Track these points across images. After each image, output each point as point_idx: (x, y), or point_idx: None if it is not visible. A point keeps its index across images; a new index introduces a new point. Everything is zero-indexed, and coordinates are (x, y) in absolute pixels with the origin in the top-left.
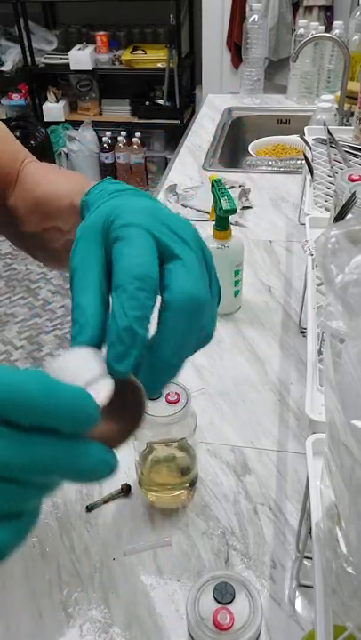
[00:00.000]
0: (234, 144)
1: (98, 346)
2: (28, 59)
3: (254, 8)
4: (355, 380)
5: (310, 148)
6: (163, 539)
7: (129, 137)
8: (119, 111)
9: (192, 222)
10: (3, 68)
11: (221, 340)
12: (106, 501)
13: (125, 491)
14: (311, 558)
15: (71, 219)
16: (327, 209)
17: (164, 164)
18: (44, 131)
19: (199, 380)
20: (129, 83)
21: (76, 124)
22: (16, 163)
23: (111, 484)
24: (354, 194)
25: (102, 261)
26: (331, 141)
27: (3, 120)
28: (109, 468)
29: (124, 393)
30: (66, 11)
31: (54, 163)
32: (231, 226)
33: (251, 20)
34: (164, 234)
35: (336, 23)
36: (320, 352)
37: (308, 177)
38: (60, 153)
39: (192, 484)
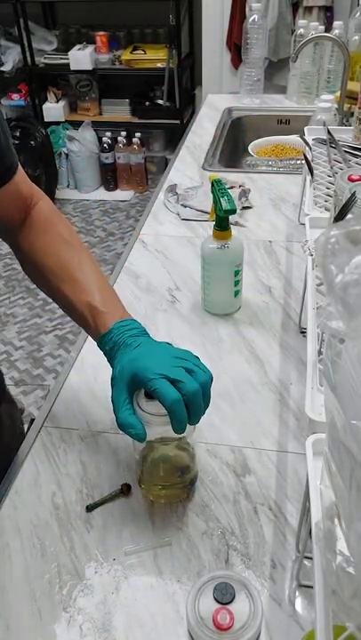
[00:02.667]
0: (234, 144)
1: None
2: (28, 59)
3: (254, 8)
4: (355, 380)
5: (310, 148)
6: (163, 539)
7: (129, 137)
8: (119, 111)
9: (192, 222)
10: (3, 68)
11: (221, 340)
12: (106, 501)
13: (125, 491)
14: (311, 558)
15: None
16: (327, 209)
17: (164, 164)
18: (43, 131)
19: None
20: (129, 83)
21: (75, 125)
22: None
23: (111, 484)
24: (354, 194)
25: (130, 398)
26: (331, 141)
27: None
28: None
29: None
30: (66, 11)
31: (54, 163)
32: (231, 226)
33: (251, 20)
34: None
35: (336, 23)
36: (320, 352)
37: (308, 177)
38: (60, 153)
39: (192, 483)
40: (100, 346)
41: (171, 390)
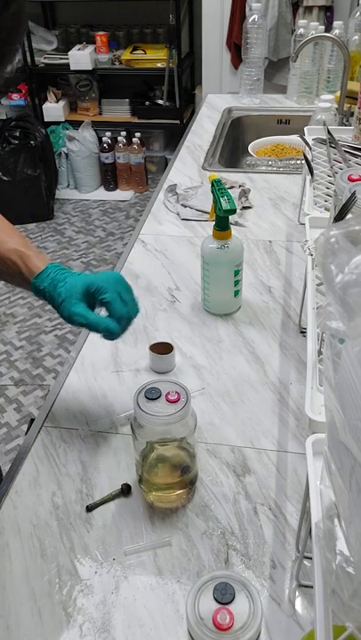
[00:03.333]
0: (234, 144)
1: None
2: (28, 59)
3: (254, 8)
4: (355, 380)
5: (310, 148)
6: (163, 539)
7: (129, 137)
8: (119, 111)
9: (192, 222)
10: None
11: (221, 340)
12: (106, 501)
13: (125, 491)
14: (311, 558)
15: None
16: (327, 209)
17: (164, 164)
18: (43, 131)
19: (199, 380)
20: (129, 83)
21: (75, 124)
22: None
23: (111, 484)
24: (354, 194)
25: (86, 307)
26: (331, 141)
27: (2, 120)
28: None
29: None
30: (66, 11)
31: (54, 163)
32: (231, 226)
33: (251, 20)
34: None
35: (336, 23)
36: (320, 352)
37: (308, 177)
38: (60, 153)
39: (192, 483)
40: (35, 285)
41: (120, 305)
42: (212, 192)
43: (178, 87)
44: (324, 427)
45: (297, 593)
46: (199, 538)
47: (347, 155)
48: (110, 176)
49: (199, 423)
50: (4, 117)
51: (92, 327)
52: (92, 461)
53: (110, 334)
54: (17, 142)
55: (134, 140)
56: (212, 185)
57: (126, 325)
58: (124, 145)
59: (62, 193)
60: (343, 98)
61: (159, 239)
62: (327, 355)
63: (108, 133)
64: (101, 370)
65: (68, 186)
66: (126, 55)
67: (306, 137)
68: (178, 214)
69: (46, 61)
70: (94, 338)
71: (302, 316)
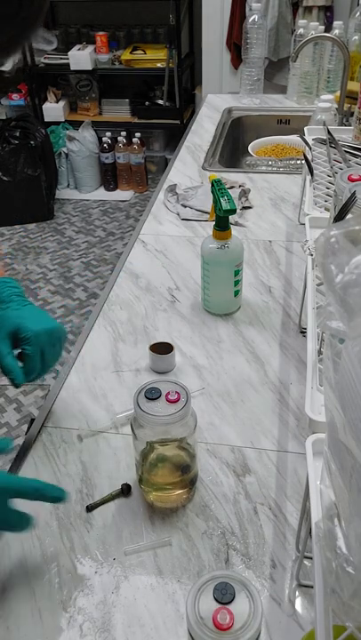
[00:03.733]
0: (234, 144)
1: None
2: (28, 59)
3: (254, 8)
4: (355, 380)
5: (310, 148)
6: (163, 539)
7: (129, 137)
8: (119, 111)
9: (192, 222)
10: (3, 68)
11: (221, 340)
12: (106, 501)
13: (125, 491)
14: (311, 558)
15: None
16: (327, 209)
17: (164, 164)
18: (43, 131)
19: (199, 380)
20: (129, 83)
21: (75, 124)
22: None
23: (111, 484)
24: (354, 194)
25: (10, 348)
26: (331, 141)
27: (2, 120)
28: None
29: None
30: (66, 11)
31: (54, 163)
32: (231, 226)
33: (251, 19)
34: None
35: (336, 23)
36: (320, 352)
37: (308, 177)
38: (60, 153)
39: (192, 483)
40: None
41: (36, 362)
42: (212, 192)
43: (178, 87)
44: (324, 427)
45: (297, 593)
46: (199, 538)
47: (347, 155)
48: (110, 176)
49: (199, 423)
50: (4, 117)
51: (2, 369)
52: (92, 461)
53: (11, 381)
54: (17, 142)
55: (134, 140)
56: (212, 185)
57: (33, 380)
58: (124, 145)
59: (62, 193)
60: (343, 98)
61: (159, 239)
62: (327, 355)
63: (108, 133)
64: (101, 370)
65: (68, 186)
66: (126, 55)
67: (306, 137)
68: (178, 214)
69: (46, 61)
70: (94, 338)
71: (302, 316)
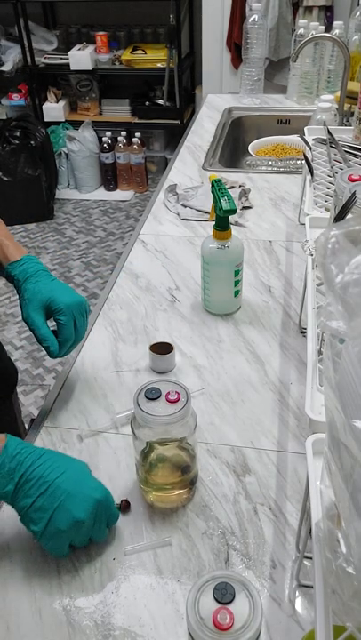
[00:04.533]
0: (234, 144)
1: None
2: (28, 59)
3: (254, 8)
4: (355, 380)
5: (310, 148)
6: (163, 539)
7: (129, 137)
8: (119, 111)
9: (192, 222)
10: (3, 68)
11: (221, 340)
12: None
13: (124, 508)
14: (311, 558)
15: None
16: (327, 209)
17: (164, 164)
18: (43, 131)
19: (199, 380)
20: (129, 83)
21: (76, 124)
22: None
23: (111, 484)
24: (354, 194)
25: (44, 319)
26: (331, 141)
27: (3, 120)
28: None
29: None
30: (66, 11)
31: (54, 163)
32: (231, 226)
33: (251, 19)
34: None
35: (336, 23)
36: (320, 352)
37: (308, 177)
38: (60, 153)
39: (192, 483)
40: (8, 271)
41: (71, 331)
42: (212, 192)
43: (178, 87)
44: (324, 427)
45: (297, 593)
46: (199, 538)
47: (347, 155)
48: (110, 176)
49: (199, 423)
50: (5, 117)
51: (39, 338)
52: (92, 461)
53: (49, 353)
54: (17, 142)
55: (134, 140)
56: (213, 185)
57: (70, 349)
58: (124, 145)
59: (62, 193)
60: (343, 98)
61: (159, 239)
62: (327, 355)
63: (109, 133)
64: (101, 370)
65: (68, 186)
66: (126, 55)
67: (306, 137)
68: (178, 214)
69: (46, 61)
70: (94, 338)
71: (302, 316)
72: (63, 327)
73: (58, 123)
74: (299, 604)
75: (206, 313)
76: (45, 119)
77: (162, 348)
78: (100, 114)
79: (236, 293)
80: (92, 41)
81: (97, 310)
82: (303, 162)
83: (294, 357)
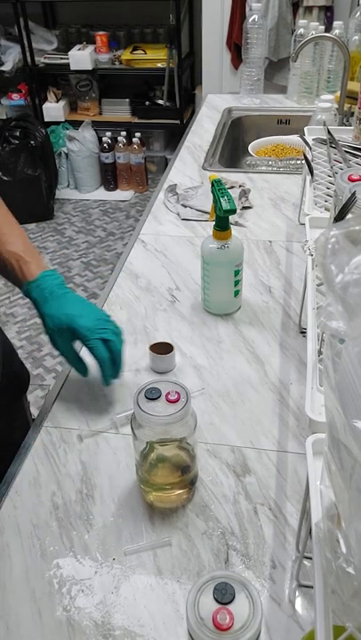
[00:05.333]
0: (234, 144)
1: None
2: (28, 59)
3: (254, 8)
4: (355, 380)
5: (310, 148)
6: (163, 539)
7: (129, 137)
8: (119, 111)
9: (192, 222)
10: (3, 68)
11: (221, 340)
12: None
13: None
14: (311, 558)
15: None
16: (327, 209)
17: (164, 164)
18: (43, 131)
19: (199, 380)
20: (129, 83)
21: (75, 124)
22: None
23: (111, 484)
24: (354, 194)
25: (70, 344)
26: (331, 141)
27: (3, 120)
28: None
29: None
30: (66, 11)
31: (54, 163)
32: (231, 226)
33: (251, 20)
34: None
35: (336, 23)
36: (320, 352)
37: (308, 177)
38: (60, 153)
39: (192, 483)
40: (26, 290)
41: (103, 349)
42: (212, 192)
43: (178, 87)
44: (324, 427)
45: (297, 593)
46: (199, 538)
47: (347, 155)
48: (110, 176)
49: (199, 423)
50: (4, 117)
51: (71, 364)
52: (92, 461)
53: (82, 375)
54: (17, 142)
55: (134, 139)
56: (213, 185)
57: (116, 366)
58: (124, 145)
59: (62, 193)
60: (343, 98)
61: (159, 239)
62: (327, 355)
63: (109, 133)
64: None
65: (68, 186)
66: (126, 55)
67: (306, 137)
68: (178, 214)
69: (46, 61)
70: None
71: (302, 316)
72: (94, 350)
73: (58, 123)
74: (299, 604)
75: (206, 313)
76: (45, 119)
77: (162, 348)
78: (100, 114)
79: (236, 293)
80: (91, 41)
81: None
82: (303, 162)
83: (294, 357)
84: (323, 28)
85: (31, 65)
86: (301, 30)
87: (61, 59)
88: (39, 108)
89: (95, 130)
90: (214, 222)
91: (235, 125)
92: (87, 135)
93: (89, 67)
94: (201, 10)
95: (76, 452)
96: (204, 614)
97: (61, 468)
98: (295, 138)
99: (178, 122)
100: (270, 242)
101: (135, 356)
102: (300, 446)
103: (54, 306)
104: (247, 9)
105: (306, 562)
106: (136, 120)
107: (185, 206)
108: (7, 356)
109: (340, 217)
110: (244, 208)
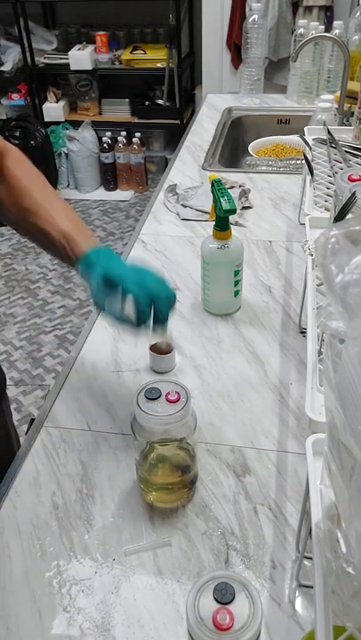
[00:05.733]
0: (234, 144)
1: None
2: (28, 59)
3: (254, 8)
4: (355, 380)
5: (310, 148)
6: (163, 539)
7: (129, 137)
8: (119, 111)
9: (192, 222)
10: (3, 68)
11: (221, 340)
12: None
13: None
14: (311, 558)
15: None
16: (327, 209)
17: (164, 164)
18: (43, 131)
19: (199, 380)
20: (129, 83)
21: (75, 124)
22: None
23: (111, 484)
24: (354, 194)
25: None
26: (331, 141)
27: (3, 120)
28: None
29: None
30: (66, 11)
31: (54, 163)
32: (231, 226)
33: (251, 19)
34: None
35: (336, 23)
36: (320, 352)
37: (308, 177)
38: (60, 153)
39: (192, 483)
40: (78, 268)
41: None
42: (212, 192)
43: (178, 87)
44: (324, 427)
45: (297, 593)
46: (199, 538)
47: (347, 155)
48: (110, 176)
49: (199, 423)
50: (4, 117)
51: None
52: (92, 461)
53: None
54: (17, 142)
55: (134, 139)
56: (212, 185)
57: (162, 313)
58: (124, 145)
59: (62, 193)
60: (343, 98)
61: (159, 239)
62: (327, 355)
63: (108, 133)
64: (101, 370)
65: (68, 186)
66: (126, 55)
67: (306, 137)
68: (178, 214)
69: (46, 61)
70: (94, 338)
71: (302, 316)
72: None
73: (58, 123)
74: (299, 604)
75: (206, 313)
76: (45, 119)
77: (162, 348)
78: (100, 114)
79: (236, 293)
80: (91, 41)
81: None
82: (303, 162)
83: (294, 357)
84: (323, 27)
85: (31, 65)
86: (301, 30)
87: (61, 59)
88: (39, 108)
89: (95, 130)
90: (214, 222)
91: (235, 125)
92: (87, 135)
93: (89, 67)
94: (201, 10)
95: (76, 452)
96: (204, 614)
97: (61, 467)
98: (295, 138)
99: (178, 122)
100: (270, 242)
101: (135, 356)
102: (300, 446)
103: (96, 276)
104: (247, 9)
105: (306, 562)
106: (136, 120)
107: (185, 206)
108: None
109: (340, 217)
110: (244, 208)
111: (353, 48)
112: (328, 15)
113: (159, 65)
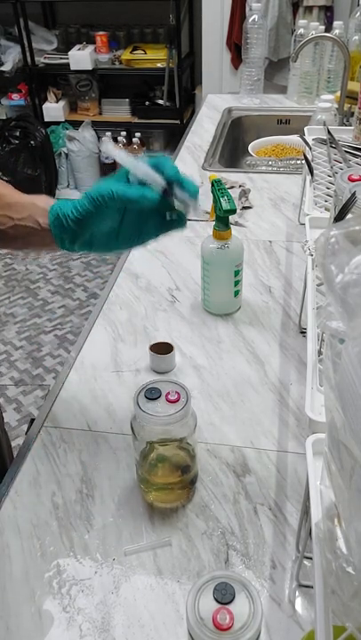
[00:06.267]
0: (234, 144)
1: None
2: (28, 59)
3: (254, 8)
4: (355, 380)
5: (310, 148)
6: (163, 539)
7: (129, 137)
8: (119, 111)
9: (192, 222)
10: (3, 68)
11: (221, 340)
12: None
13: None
14: (311, 558)
15: (25, 211)
16: (327, 209)
17: None
18: (43, 131)
19: (199, 380)
20: (129, 83)
21: (75, 124)
22: None
23: (111, 484)
24: (354, 194)
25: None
26: (331, 141)
27: (2, 120)
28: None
29: None
30: (66, 11)
31: (54, 163)
32: (231, 226)
33: (251, 19)
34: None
35: (336, 23)
36: (320, 352)
37: (308, 177)
38: (60, 153)
39: (192, 483)
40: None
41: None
42: (212, 192)
43: (178, 87)
44: (324, 427)
45: (297, 593)
46: (199, 538)
47: (347, 155)
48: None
49: (199, 423)
50: (4, 117)
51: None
52: (92, 461)
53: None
54: (17, 142)
55: (134, 139)
56: (213, 185)
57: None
58: (124, 145)
59: (62, 193)
60: (343, 98)
61: (159, 239)
62: (327, 355)
63: (109, 133)
64: (101, 370)
65: (68, 186)
66: (126, 55)
67: (306, 137)
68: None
69: (46, 61)
70: (94, 338)
71: (302, 317)
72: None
73: (58, 123)
74: (299, 604)
75: (206, 313)
76: (45, 119)
77: (162, 348)
78: (100, 114)
79: (236, 293)
80: (91, 41)
81: (97, 310)
82: (303, 162)
83: (294, 358)
84: (323, 27)
85: (31, 65)
86: (301, 30)
87: (61, 59)
88: (39, 108)
89: (95, 130)
90: (214, 222)
91: (235, 125)
92: (87, 135)
93: (89, 67)
94: (201, 10)
95: (76, 452)
96: (204, 614)
97: (61, 467)
98: (295, 138)
99: (178, 122)
100: (270, 242)
101: (135, 356)
102: (300, 446)
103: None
104: (247, 9)
105: (306, 562)
106: (136, 120)
107: None
108: None
109: (340, 217)
110: (244, 208)
111: (353, 48)
112: (328, 15)
113: (159, 65)
